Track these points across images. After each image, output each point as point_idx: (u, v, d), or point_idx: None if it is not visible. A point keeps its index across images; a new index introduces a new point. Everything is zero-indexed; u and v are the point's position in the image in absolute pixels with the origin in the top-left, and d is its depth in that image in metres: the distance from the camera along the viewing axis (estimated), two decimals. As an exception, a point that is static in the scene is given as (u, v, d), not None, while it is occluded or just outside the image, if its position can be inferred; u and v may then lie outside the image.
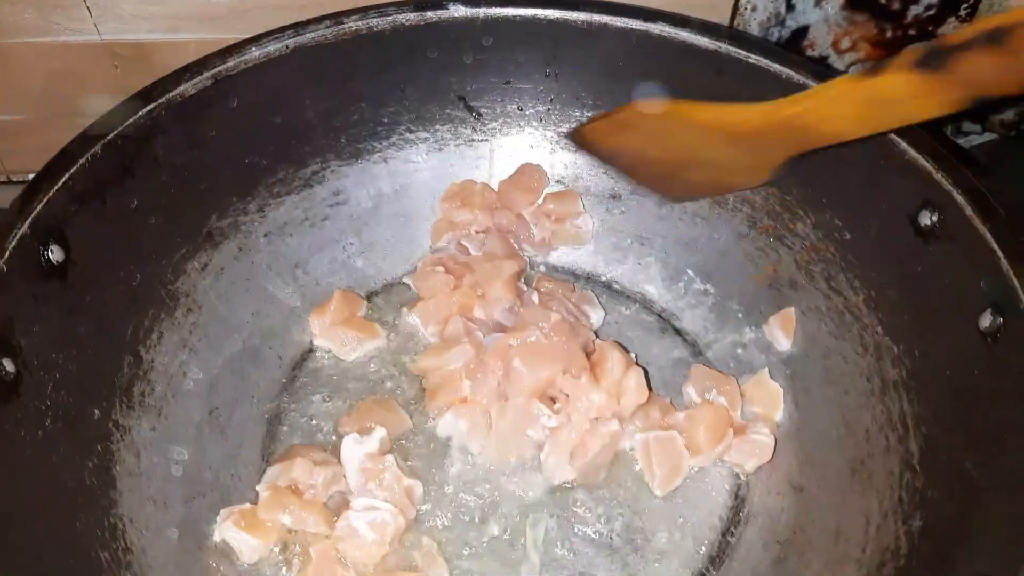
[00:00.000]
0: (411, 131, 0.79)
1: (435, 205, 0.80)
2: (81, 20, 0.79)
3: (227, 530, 0.63)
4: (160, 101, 0.66)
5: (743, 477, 0.69)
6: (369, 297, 0.78)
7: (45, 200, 0.60)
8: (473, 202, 0.79)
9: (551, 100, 0.79)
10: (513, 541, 0.65)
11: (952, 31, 0.84)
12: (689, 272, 0.78)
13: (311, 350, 0.75)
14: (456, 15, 0.73)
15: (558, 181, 0.82)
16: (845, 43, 0.85)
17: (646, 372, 0.69)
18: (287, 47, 0.70)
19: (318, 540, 0.63)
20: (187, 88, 0.67)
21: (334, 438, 0.69)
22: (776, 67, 0.69)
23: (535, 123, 0.80)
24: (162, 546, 0.61)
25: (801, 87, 0.67)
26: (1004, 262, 0.56)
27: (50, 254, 0.60)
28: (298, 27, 0.71)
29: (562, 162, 0.81)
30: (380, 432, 0.67)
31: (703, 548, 0.65)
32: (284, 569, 0.63)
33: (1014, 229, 0.57)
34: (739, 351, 0.75)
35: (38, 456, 0.56)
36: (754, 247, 0.75)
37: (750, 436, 0.68)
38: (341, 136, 0.77)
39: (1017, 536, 0.51)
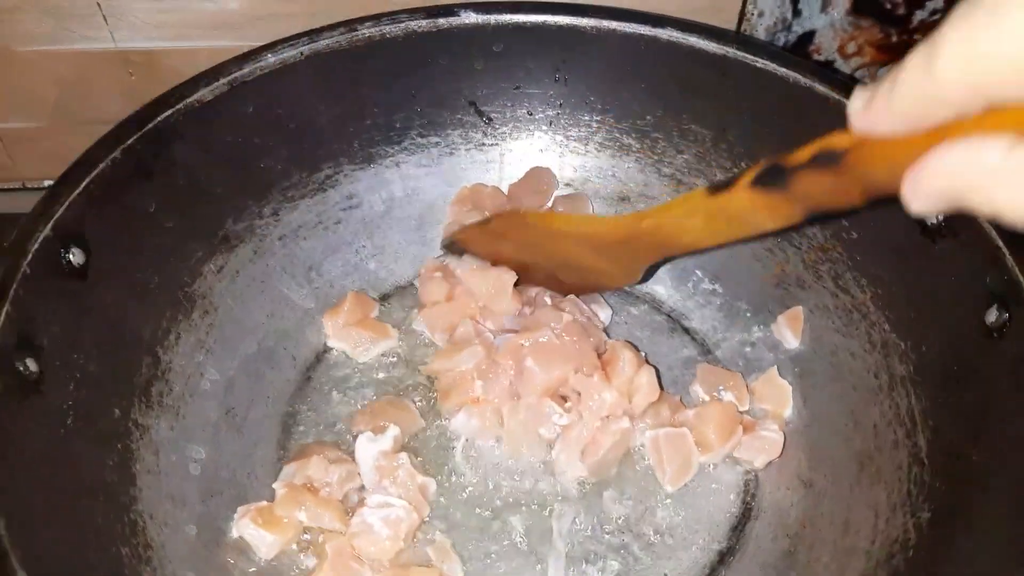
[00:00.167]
0: (422, 136, 0.80)
1: (446, 208, 0.81)
2: (97, 28, 0.80)
3: (244, 527, 0.63)
4: (178, 107, 0.67)
5: (752, 473, 0.70)
6: (382, 299, 0.79)
7: (66, 203, 0.61)
8: (483, 205, 0.80)
9: (560, 105, 0.80)
10: (527, 537, 0.66)
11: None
12: (697, 273, 0.79)
13: (325, 351, 0.76)
14: (467, 22, 0.74)
15: (567, 184, 0.83)
16: (851, 48, 0.86)
17: (656, 371, 0.70)
18: (302, 53, 0.71)
19: (333, 536, 0.64)
20: (204, 94, 0.68)
21: (348, 437, 0.70)
22: (783, 71, 0.70)
23: (544, 127, 0.81)
24: (181, 542, 0.62)
25: (808, 91, 0.69)
26: (1009, 258, 0.57)
27: (71, 256, 0.61)
28: (312, 34, 0.72)
29: (571, 165, 0.82)
30: (394, 430, 0.68)
31: (714, 543, 0.66)
32: (300, 565, 0.64)
33: (1018, 226, 0.58)
34: (748, 350, 0.76)
35: (60, 453, 0.57)
36: (762, 247, 0.76)
37: (759, 433, 0.69)
38: (354, 141, 0.78)
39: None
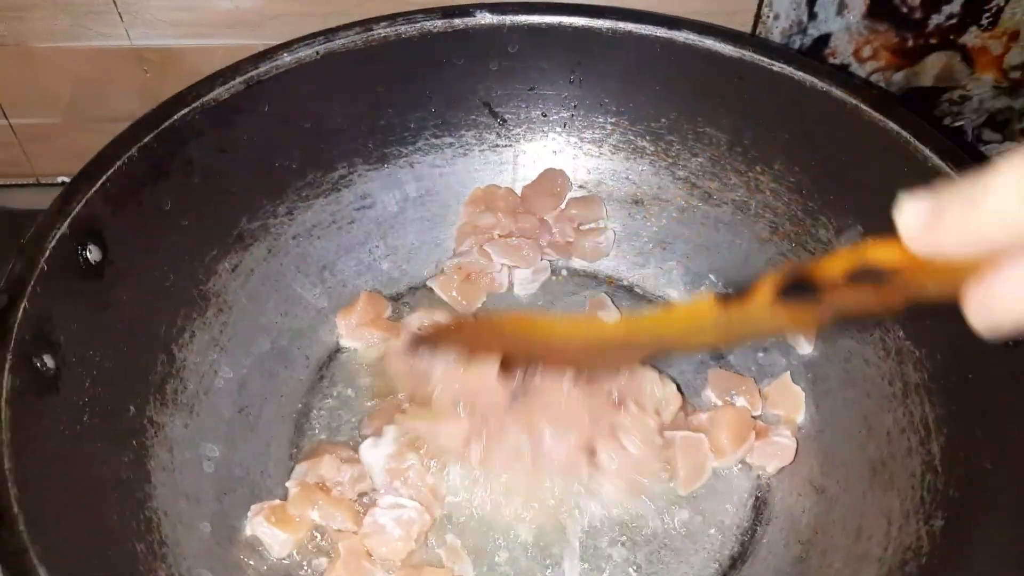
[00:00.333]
0: (437, 136, 0.80)
1: (459, 209, 0.82)
2: (113, 25, 0.80)
3: (258, 525, 0.64)
4: (194, 105, 0.67)
5: (765, 478, 0.70)
6: (394, 299, 0.80)
7: (83, 201, 0.61)
8: (497, 206, 0.80)
9: (575, 106, 0.80)
10: (538, 537, 0.66)
11: (974, 40, 0.84)
12: (711, 277, 0.79)
13: (338, 350, 0.76)
14: (483, 23, 0.74)
15: (581, 186, 0.83)
16: (866, 51, 0.86)
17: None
18: (318, 53, 0.71)
19: (346, 536, 0.64)
20: (220, 93, 0.68)
21: (360, 436, 0.70)
22: (800, 75, 0.69)
23: (559, 129, 0.81)
24: (195, 539, 0.62)
25: (824, 95, 0.68)
26: None
27: (88, 254, 0.61)
28: (328, 33, 0.72)
29: (585, 167, 0.82)
30: (392, 431, 0.68)
31: (725, 547, 0.66)
32: (312, 564, 0.64)
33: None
34: (760, 355, 0.76)
35: (77, 449, 0.58)
36: (776, 252, 0.76)
37: (772, 438, 0.69)
38: (368, 141, 0.78)
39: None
